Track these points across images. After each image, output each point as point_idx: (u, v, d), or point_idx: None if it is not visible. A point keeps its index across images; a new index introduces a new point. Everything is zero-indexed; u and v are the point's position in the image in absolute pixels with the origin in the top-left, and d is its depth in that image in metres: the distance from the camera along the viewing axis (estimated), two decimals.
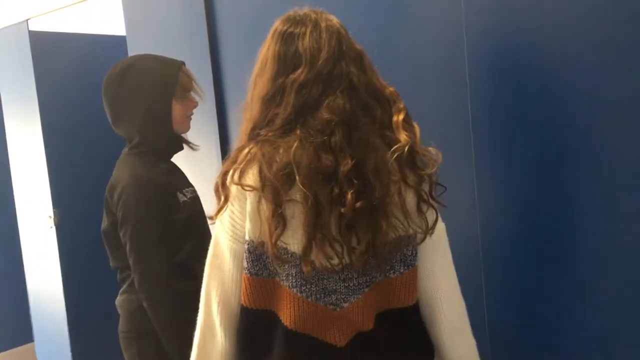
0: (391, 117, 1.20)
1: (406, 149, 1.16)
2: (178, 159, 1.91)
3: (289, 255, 1.14)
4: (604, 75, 1.39)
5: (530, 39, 1.49)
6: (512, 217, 1.58)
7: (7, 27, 3.57)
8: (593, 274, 1.45)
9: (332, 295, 1.17)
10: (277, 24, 1.24)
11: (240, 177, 1.15)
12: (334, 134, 1.13)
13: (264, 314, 1.19)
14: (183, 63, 1.85)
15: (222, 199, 1.19)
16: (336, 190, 1.11)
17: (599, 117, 1.40)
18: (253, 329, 1.21)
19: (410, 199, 1.18)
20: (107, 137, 2.06)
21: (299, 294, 1.16)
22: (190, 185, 1.90)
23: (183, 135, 1.89)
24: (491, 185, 1.61)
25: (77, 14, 3.54)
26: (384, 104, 1.21)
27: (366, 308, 1.19)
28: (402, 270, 1.21)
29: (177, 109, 1.80)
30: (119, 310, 1.84)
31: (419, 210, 1.19)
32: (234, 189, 1.17)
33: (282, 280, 1.17)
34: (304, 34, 1.19)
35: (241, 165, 1.15)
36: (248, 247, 1.17)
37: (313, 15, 1.22)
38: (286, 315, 1.17)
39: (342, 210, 1.11)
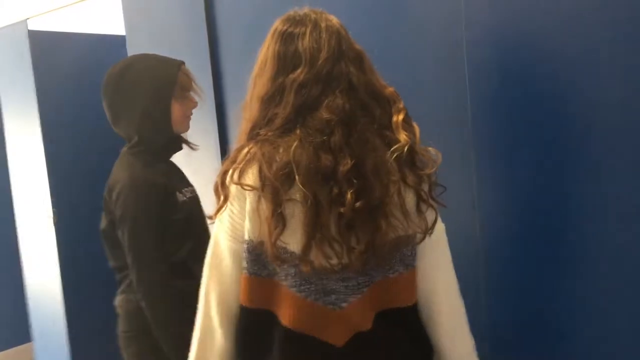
0: (391, 117, 1.20)
1: (406, 149, 1.16)
2: (177, 159, 1.91)
3: (288, 255, 1.14)
4: (604, 75, 1.39)
5: (530, 39, 1.49)
6: (512, 217, 1.58)
7: (6, 27, 3.57)
8: (593, 274, 1.45)
9: (331, 295, 1.17)
10: (277, 24, 1.24)
11: (239, 177, 1.15)
12: (334, 134, 1.13)
13: (262, 314, 1.19)
14: (182, 63, 1.84)
15: (222, 198, 1.19)
16: (335, 190, 1.11)
17: (599, 117, 1.40)
18: (252, 329, 1.21)
19: (410, 199, 1.18)
20: (107, 137, 2.06)
21: (298, 293, 1.16)
22: (190, 185, 1.90)
23: (182, 135, 1.89)
24: (491, 185, 1.61)
25: (77, 14, 3.54)
26: (384, 104, 1.21)
27: (365, 308, 1.19)
28: (401, 270, 1.21)
29: (176, 108, 1.80)
30: (118, 310, 1.84)
31: (419, 210, 1.19)
32: (233, 189, 1.17)
33: (281, 279, 1.17)
34: (304, 34, 1.19)
35: (241, 165, 1.15)
36: (247, 247, 1.17)
37: (313, 15, 1.22)
38: (285, 315, 1.17)
39: (342, 210, 1.11)
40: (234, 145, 1.25)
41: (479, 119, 1.60)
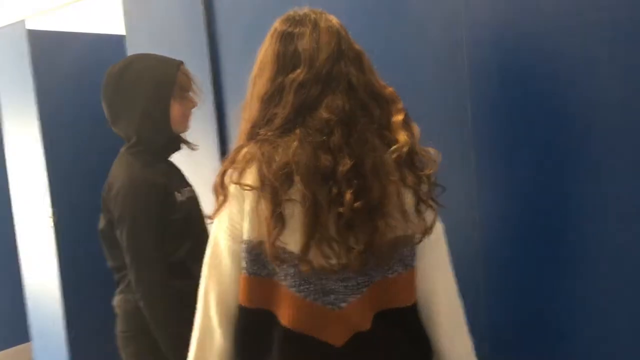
0: (390, 117, 1.20)
1: (405, 149, 1.15)
2: (177, 159, 1.91)
3: (287, 255, 1.14)
4: (604, 76, 1.39)
5: (530, 40, 1.49)
6: (512, 218, 1.58)
7: (5, 26, 3.57)
8: (593, 274, 1.45)
9: (331, 295, 1.17)
10: (277, 24, 1.24)
11: (239, 177, 1.15)
12: (333, 134, 1.13)
13: (262, 314, 1.19)
14: (182, 63, 1.84)
15: (221, 198, 1.19)
16: (335, 190, 1.11)
17: (599, 117, 1.40)
18: (251, 329, 1.20)
19: (409, 199, 1.18)
20: (106, 136, 2.06)
21: (297, 293, 1.16)
22: (189, 185, 1.90)
23: (182, 134, 1.88)
24: (490, 186, 1.61)
25: (76, 13, 3.54)
26: (383, 104, 1.20)
27: (364, 308, 1.19)
28: (400, 271, 1.21)
29: (175, 108, 1.80)
30: (117, 310, 1.84)
31: (418, 210, 1.19)
32: (232, 189, 1.17)
33: (281, 279, 1.17)
34: (304, 34, 1.19)
35: (240, 165, 1.15)
36: (246, 247, 1.17)
37: (313, 16, 1.22)
38: (284, 315, 1.17)
39: (341, 210, 1.10)
40: (233, 145, 1.25)
41: (479, 119, 1.60)
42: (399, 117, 1.19)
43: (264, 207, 1.12)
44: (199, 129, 2.11)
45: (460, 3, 1.59)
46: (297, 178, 1.10)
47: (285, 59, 1.18)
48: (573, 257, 1.48)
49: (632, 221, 1.38)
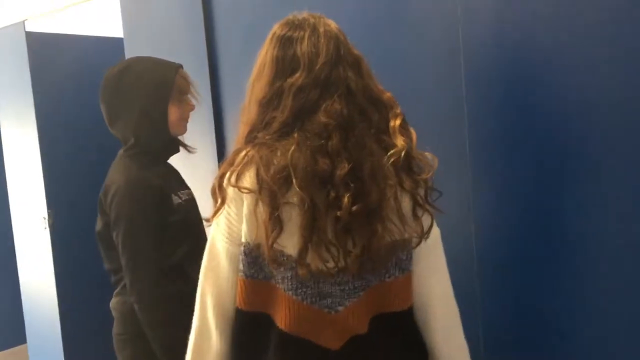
0: (388, 122, 1.20)
1: (402, 153, 1.16)
2: (175, 161, 1.91)
3: (285, 258, 1.15)
4: (604, 76, 1.39)
5: (527, 46, 1.50)
6: (507, 222, 1.59)
7: (4, 28, 3.57)
8: (592, 275, 1.45)
9: (328, 299, 1.18)
10: (276, 28, 1.24)
11: (237, 180, 1.15)
12: (331, 138, 1.13)
13: (259, 317, 1.19)
14: (180, 66, 1.85)
15: (219, 201, 1.19)
16: (333, 194, 1.11)
17: (599, 117, 1.40)
18: (248, 332, 1.21)
19: (406, 203, 1.18)
20: (103, 138, 2.06)
21: (294, 296, 1.16)
22: (186, 188, 1.90)
23: (180, 137, 1.89)
24: (486, 190, 1.62)
25: (75, 16, 3.54)
26: (381, 109, 1.21)
27: (361, 312, 1.20)
28: (397, 275, 1.21)
29: (173, 111, 1.80)
30: (113, 313, 1.84)
31: (415, 214, 1.19)
32: (230, 191, 1.17)
33: (278, 282, 1.17)
34: (302, 38, 1.20)
35: (238, 168, 1.16)
36: (244, 250, 1.17)
37: (312, 20, 1.23)
38: (281, 318, 1.17)
39: (339, 213, 1.11)
40: (231, 148, 1.25)
41: (475, 124, 1.60)
42: (396, 122, 1.20)
43: (262, 210, 1.13)
44: (197, 131, 2.11)
45: (456, 10, 1.60)
46: (295, 181, 1.10)
47: (284, 63, 1.19)
48: (570, 260, 1.48)
49: (632, 221, 1.38)
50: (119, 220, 1.71)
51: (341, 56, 1.20)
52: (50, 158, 3.45)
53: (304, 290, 1.16)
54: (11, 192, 3.74)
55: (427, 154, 1.22)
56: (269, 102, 1.19)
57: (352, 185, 1.11)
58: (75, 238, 3.38)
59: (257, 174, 1.13)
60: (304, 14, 1.25)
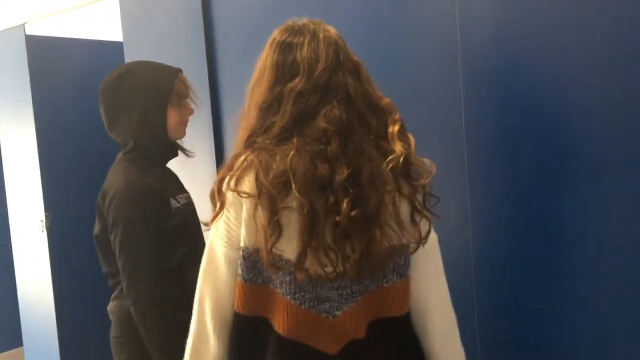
0: (387, 127, 1.21)
1: (401, 159, 1.16)
2: (173, 165, 1.92)
3: (284, 263, 1.15)
4: (604, 76, 1.40)
5: (525, 47, 1.51)
6: (505, 223, 1.59)
7: (4, 31, 3.57)
8: (592, 275, 1.45)
9: (326, 303, 1.18)
10: (276, 34, 1.25)
11: (236, 184, 1.15)
12: (330, 143, 1.14)
13: (257, 321, 1.19)
14: (180, 70, 1.85)
15: (218, 205, 1.19)
16: (331, 199, 1.11)
17: (597, 121, 1.41)
18: (246, 336, 1.21)
19: (404, 209, 1.19)
20: (101, 142, 2.06)
21: (292, 301, 1.17)
22: (185, 192, 1.90)
23: (178, 141, 1.89)
24: (484, 196, 1.62)
25: (74, 19, 3.55)
26: (380, 114, 1.22)
27: (359, 317, 1.20)
28: (395, 280, 1.22)
29: (172, 115, 1.80)
30: (111, 316, 1.83)
31: (413, 220, 1.20)
32: (230, 196, 1.17)
33: (276, 287, 1.18)
34: (302, 44, 1.20)
35: (238, 172, 1.16)
36: (243, 254, 1.17)
37: (311, 26, 1.23)
38: (279, 322, 1.18)
39: (337, 218, 1.11)
40: (229, 152, 1.25)
41: (473, 130, 1.61)
42: (395, 128, 1.20)
43: (261, 215, 1.13)
44: (196, 135, 2.12)
45: (454, 15, 1.60)
46: (294, 186, 1.10)
47: (284, 68, 1.20)
48: (572, 257, 1.48)
49: (632, 221, 1.38)
50: (117, 222, 1.70)
51: (340, 62, 1.21)
52: (49, 161, 3.45)
53: (302, 294, 1.16)
54: (9, 194, 3.73)
55: (425, 160, 1.22)
56: (268, 107, 1.19)
57: (351, 190, 1.11)
58: (72, 241, 3.37)
59: (257, 179, 1.13)
60: (303, 20, 1.25)
